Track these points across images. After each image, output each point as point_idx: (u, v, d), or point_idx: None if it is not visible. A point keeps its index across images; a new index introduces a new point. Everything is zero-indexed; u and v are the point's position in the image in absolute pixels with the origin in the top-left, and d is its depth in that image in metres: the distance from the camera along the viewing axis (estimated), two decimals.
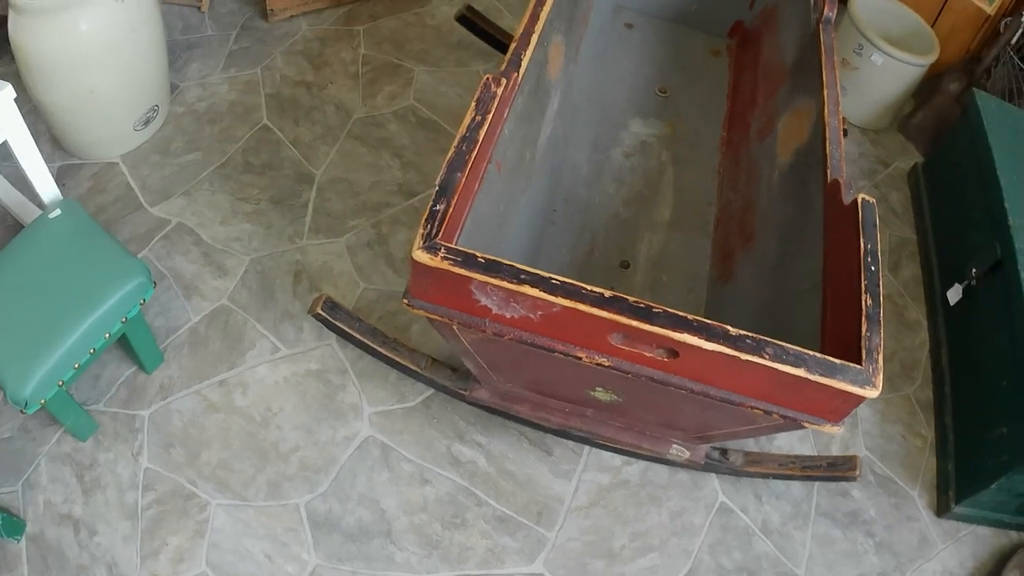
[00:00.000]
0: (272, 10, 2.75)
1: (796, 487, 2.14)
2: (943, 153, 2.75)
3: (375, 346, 2.01)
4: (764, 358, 1.33)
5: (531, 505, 2.02)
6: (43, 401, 1.75)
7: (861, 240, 1.50)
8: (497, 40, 2.70)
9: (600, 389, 1.61)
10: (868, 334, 1.39)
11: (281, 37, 2.79)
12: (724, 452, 2.02)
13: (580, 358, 1.42)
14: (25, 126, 1.85)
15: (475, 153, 1.42)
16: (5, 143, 1.85)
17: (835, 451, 2.23)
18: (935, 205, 2.73)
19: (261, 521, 1.93)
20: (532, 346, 1.41)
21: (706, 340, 1.32)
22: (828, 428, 1.46)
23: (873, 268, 1.47)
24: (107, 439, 2.00)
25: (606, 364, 1.42)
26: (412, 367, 2.02)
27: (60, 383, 1.77)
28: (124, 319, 1.86)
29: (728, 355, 1.33)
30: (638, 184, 2.16)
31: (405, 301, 1.40)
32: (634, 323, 1.32)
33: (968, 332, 2.35)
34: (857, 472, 1.97)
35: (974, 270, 2.27)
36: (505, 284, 1.30)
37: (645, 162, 2.22)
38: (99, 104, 2.26)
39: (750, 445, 2.17)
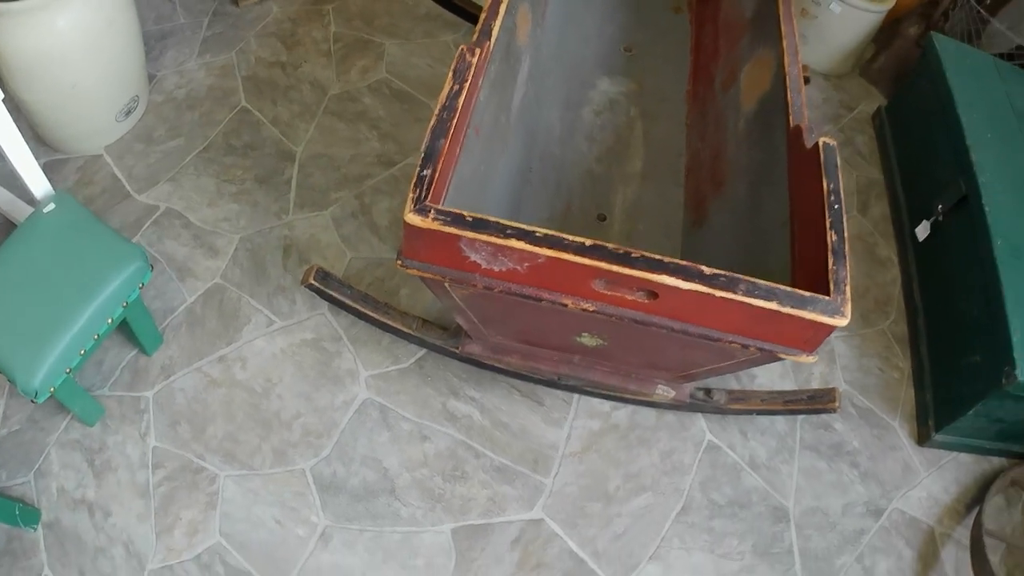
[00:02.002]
0: None
1: (780, 423, 2.20)
2: (905, 95, 2.79)
3: (367, 311, 2.05)
4: (737, 294, 1.37)
5: (527, 454, 2.08)
6: (52, 389, 1.77)
7: (824, 180, 1.55)
8: (463, 10, 2.73)
9: (586, 335, 1.66)
10: (835, 267, 1.44)
11: (253, 21, 2.80)
12: (708, 392, 2.08)
13: (566, 305, 1.46)
14: (14, 124, 1.86)
15: (455, 120, 1.46)
16: None
17: (815, 386, 2.30)
18: (900, 146, 2.78)
19: (269, 488, 1.98)
20: (520, 297, 1.46)
21: (683, 280, 1.37)
22: (803, 358, 1.51)
23: (836, 206, 1.52)
24: (114, 422, 2.03)
25: (591, 309, 1.46)
26: (404, 329, 2.07)
27: (67, 370, 1.80)
28: (125, 303, 1.88)
29: (704, 293, 1.38)
30: (609, 140, 2.20)
31: (399, 263, 1.44)
32: (614, 268, 1.36)
33: (938, 266, 2.41)
34: (837, 403, 2.04)
35: (940, 206, 2.32)
36: (492, 239, 1.35)
37: (615, 118, 2.26)
38: (81, 98, 2.27)
39: (733, 384, 2.23)
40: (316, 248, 2.33)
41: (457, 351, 2.02)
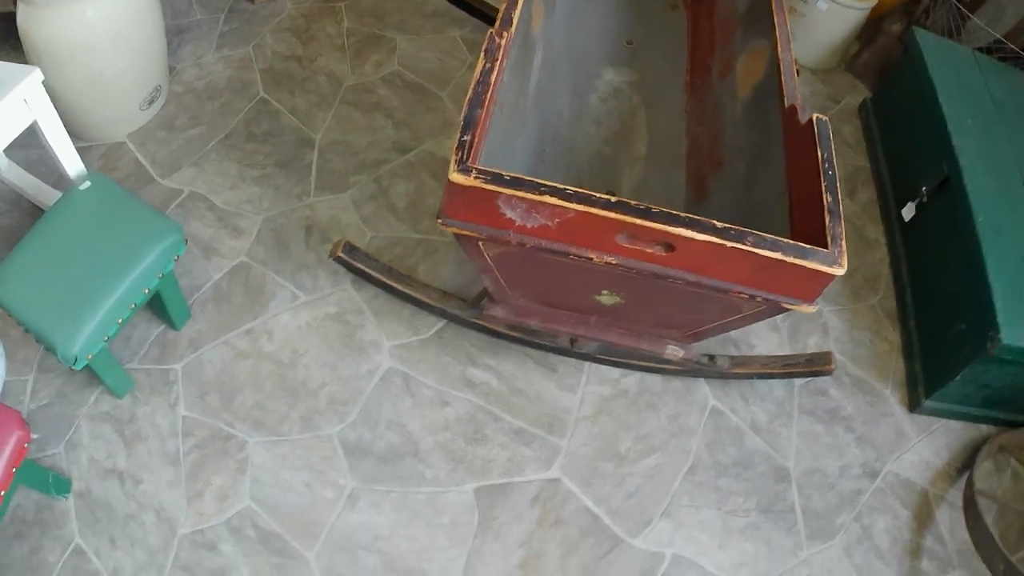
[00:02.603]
0: None
1: (778, 389, 2.31)
2: (889, 88, 2.94)
3: (392, 283, 2.14)
4: (746, 244, 1.50)
5: (542, 418, 2.17)
6: (90, 357, 1.84)
7: (819, 150, 1.68)
8: (470, 6, 2.84)
9: (605, 292, 1.76)
10: (831, 224, 1.57)
11: (268, 17, 2.90)
12: (712, 357, 2.18)
13: (591, 259, 1.57)
14: (52, 106, 1.95)
15: (489, 94, 1.57)
16: (33, 126, 1.94)
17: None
18: (885, 134, 2.92)
19: (297, 453, 2.05)
20: (550, 252, 1.56)
21: (698, 232, 1.49)
22: (804, 308, 1.63)
23: (830, 172, 1.65)
24: (143, 394, 2.10)
25: (613, 263, 1.57)
26: (426, 300, 2.16)
27: (105, 339, 1.87)
28: (160, 275, 1.95)
29: (716, 244, 1.50)
30: (615, 125, 2.32)
31: (440, 220, 1.54)
32: (636, 221, 1.48)
33: (923, 244, 2.54)
34: (832, 366, 2.15)
35: (924, 188, 2.46)
36: (528, 196, 1.46)
37: (619, 105, 2.38)
38: (107, 86, 2.35)
39: (733, 352, 2.34)
40: (337, 228, 2.42)
41: (477, 320, 2.12)
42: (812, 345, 2.43)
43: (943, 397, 2.28)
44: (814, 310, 1.65)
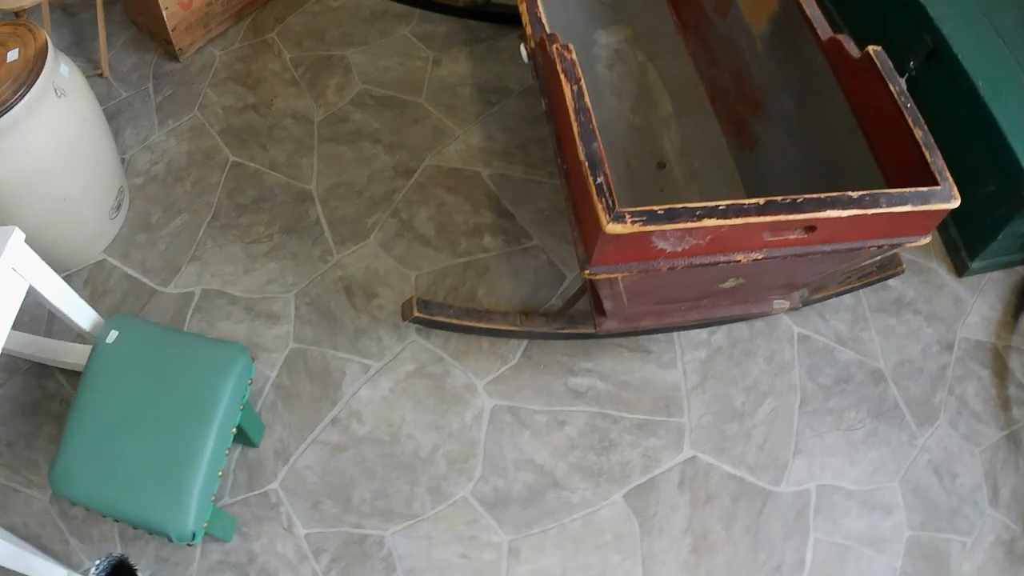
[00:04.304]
0: (180, 48, 2.38)
1: (847, 298, 2.23)
2: None
3: (472, 323, 1.89)
4: (882, 207, 1.37)
5: (657, 403, 2.02)
6: (206, 524, 1.54)
7: (890, 85, 1.54)
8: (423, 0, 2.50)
9: (731, 279, 1.60)
10: (932, 159, 1.46)
11: (200, 72, 2.43)
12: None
13: (739, 261, 1.40)
14: (46, 265, 1.55)
15: (593, 120, 1.32)
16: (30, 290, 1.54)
17: None
18: (856, 15, 2.76)
19: (440, 528, 1.83)
20: (700, 267, 1.38)
21: (841, 209, 1.36)
22: (922, 241, 1.54)
23: (909, 105, 1.52)
24: (251, 528, 1.81)
25: (760, 258, 1.41)
26: (511, 328, 1.93)
27: (213, 498, 1.57)
28: (242, 406, 1.65)
29: (856, 215, 1.36)
30: (633, 89, 2.09)
31: (587, 272, 1.32)
32: (787, 217, 1.33)
33: (924, 116, 2.46)
34: (902, 266, 2.09)
35: (912, 62, 2.37)
36: (687, 225, 1.25)
37: (627, 68, 2.15)
38: (73, 209, 1.93)
39: None
40: (377, 279, 2.12)
41: (563, 331, 1.92)
42: None
43: (986, 255, 2.26)
44: (929, 239, 1.55)
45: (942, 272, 2.33)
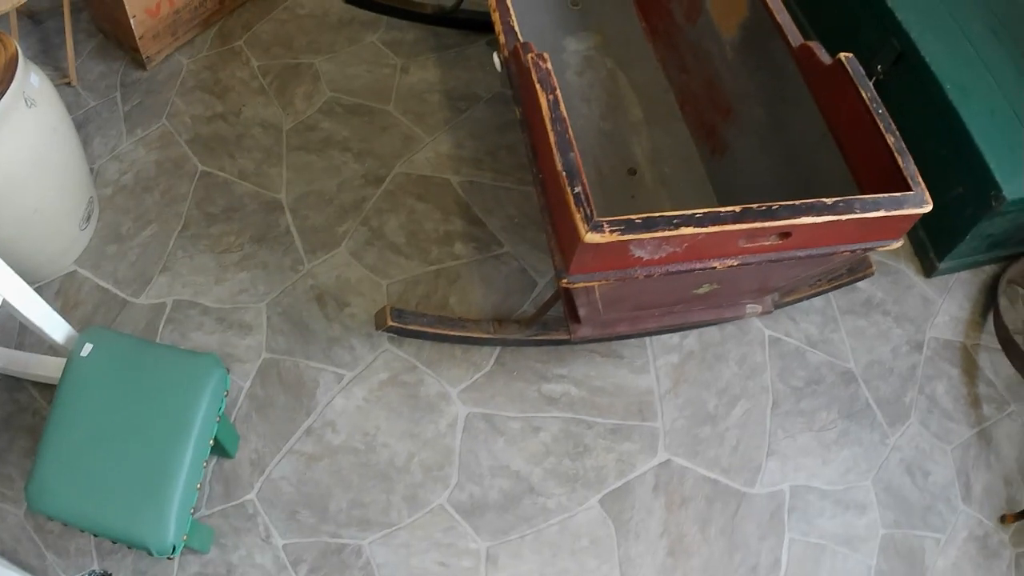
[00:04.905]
0: (148, 57, 2.34)
1: (817, 300, 2.25)
2: None
3: (447, 332, 1.88)
4: (856, 212, 1.38)
5: (630, 407, 2.02)
6: (185, 537, 1.51)
7: (862, 92, 1.55)
8: (378, 4, 2.47)
9: (705, 285, 1.60)
10: (904, 163, 1.47)
11: (167, 80, 2.40)
12: None
13: (715, 267, 1.40)
14: (19, 278, 1.52)
15: (570, 130, 1.32)
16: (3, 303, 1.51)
17: None
18: (823, 19, 2.78)
19: (417, 536, 1.82)
20: (676, 273, 1.38)
21: (816, 216, 1.36)
22: (894, 245, 1.55)
23: (881, 111, 1.53)
24: (229, 539, 1.78)
25: (735, 264, 1.41)
26: (484, 336, 1.92)
27: (192, 511, 1.54)
28: (218, 418, 1.62)
29: (831, 221, 1.37)
30: (603, 96, 2.08)
31: (564, 281, 1.31)
32: (763, 224, 1.33)
33: (893, 120, 2.48)
34: (872, 268, 2.10)
35: (879, 66, 2.39)
36: (664, 233, 1.25)
37: (596, 75, 2.14)
38: (46, 219, 1.88)
39: None
40: (348, 287, 2.09)
41: (535, 337, 1.91)
42: None
43: (954, 256, 2.29)
44: (901, 244, 1.56)
45: (910, 273, 2.35)
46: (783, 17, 1.75)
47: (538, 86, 1.36)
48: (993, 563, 1.97)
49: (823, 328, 2.20)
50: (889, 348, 2.21)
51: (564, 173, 1.26)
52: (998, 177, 2.05)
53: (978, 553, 1.97)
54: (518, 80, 1.57)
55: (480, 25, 2.52)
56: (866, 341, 2.20)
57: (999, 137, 2.11)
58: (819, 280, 2.13)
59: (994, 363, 2.22)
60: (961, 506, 2.01)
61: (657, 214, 1.25)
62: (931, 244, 2.33)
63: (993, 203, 2.06)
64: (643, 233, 1.24)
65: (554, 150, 1.29)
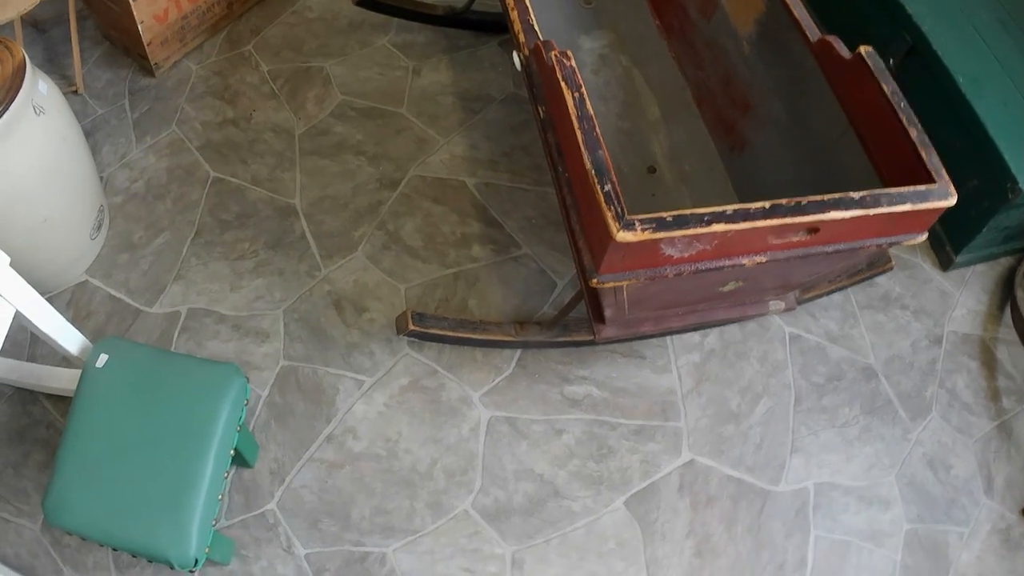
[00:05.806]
0: (156, 63, 2.30)
1: (835, 296, 2.23)
2: None
3: (469, 335, 1.85)
4: (883, 207, 1.36)
5: (653, 407, 1.99)
6: (207, 550, 1.47)
7: (883, 85, 1.53)
8: (390, 7, 2.44)
9: (732, 283, 1.57)
10: (928, 156, 1.45)
11: (176, 87, 2.36)
12: None
13: (744, 264, 1.38)
14: (32, 289, 1.48)
15: (597, 127, 1.29)
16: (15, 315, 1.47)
17: None
18: (834, 13, 2.76)
19: (442, 543, 1.79)
20: (706, 271, 1.35)
21: (844, 211, 1.34)
22: (919, 239, 1.53)
23: (903, 104, 1.51)
24: (250, 550, 1.75)
25: (764, 261, 1.39)
26: (506, 339, 1.89)
27: (214, 523, 1.50)
28: (239, 428, 1.58)
29: (859, 216, 1.35)
30: (620, 95, 2.05)
31: (595, 281, 1.28)
32: (791, 220, 1.30)
33: None
34: (891, 263, 2.08)
35: (891, 60, 2.37)
36: (696, 231, 1.22)
37: (613, 73, 2.11)
38: (55, 228, 1.84)
39: None
40: (366, 292, 2.06)
41: (558, 339, 1.89)
42: None
43: (970, 249, 2.26)
44: (925, 238, 1.54)
45: (927, 267, 2.33)
46: (800, 12, 1.72)
47: (563, 84, 1.33)
48: (1017, 555, 1.95)
49: (842, 324, 2.18)
50: (908, 343, 2.18)
51: (593, 171, 1.24)
52: (1014, 169, 2.02)
53: (1001, 545, 1.95)
54: (540, 79, 1.54)
55: (491, 26, 2.49)
56: (885, 336, 2.18)
57: (1014, 129, 2.09)
58: (839, 276, 2.10)
59: (1012, 356, 2.20)
60: (983, 499, 1.99)
61: (688, 211, 1.22)
62: (947, 237, 2.31)
63: (1010, 195, 2.04)
64: (675, 231, 1.21)
65: (582, 148, 1.26)
